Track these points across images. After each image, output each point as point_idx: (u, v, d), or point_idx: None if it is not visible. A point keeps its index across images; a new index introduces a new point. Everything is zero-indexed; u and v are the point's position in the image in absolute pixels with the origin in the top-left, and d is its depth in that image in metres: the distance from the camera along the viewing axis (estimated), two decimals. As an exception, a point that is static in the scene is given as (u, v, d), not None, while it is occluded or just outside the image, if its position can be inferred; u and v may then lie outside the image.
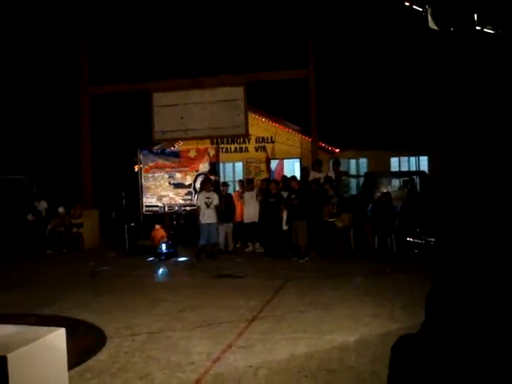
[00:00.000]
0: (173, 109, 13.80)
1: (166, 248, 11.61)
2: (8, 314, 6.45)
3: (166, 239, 11.99)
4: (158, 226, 12.63)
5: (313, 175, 12.31)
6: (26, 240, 14.04)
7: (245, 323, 6.13)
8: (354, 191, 17.28)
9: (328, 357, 4.90)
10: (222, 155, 15.87)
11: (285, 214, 11.32)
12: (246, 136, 15.62)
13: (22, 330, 3.46)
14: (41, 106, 21.47)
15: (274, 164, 17.75)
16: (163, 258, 11.45)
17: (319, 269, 9.70)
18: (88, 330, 6.10)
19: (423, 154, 18.75)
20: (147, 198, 13.71)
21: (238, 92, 13.52)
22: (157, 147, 15.28)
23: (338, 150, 17.43)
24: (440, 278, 1.81)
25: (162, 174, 13.67)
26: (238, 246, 12.54)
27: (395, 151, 18.35)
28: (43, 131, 21.38)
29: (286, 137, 17.84)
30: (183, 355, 5.07)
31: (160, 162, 13.73)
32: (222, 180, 15.14)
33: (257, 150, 17.96)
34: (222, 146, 16.96)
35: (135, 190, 13.93)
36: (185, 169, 13.56)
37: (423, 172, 16.63)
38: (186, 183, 13.52)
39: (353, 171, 18.57)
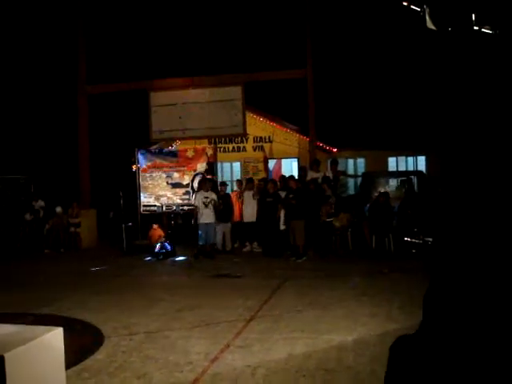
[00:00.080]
0: (171, 108, 13.79)
1: (164, 248, 11.62)
2: (5, 313, 6.43)
3: (163, 239, 11.99)
4: (155, 226, 12.62)
5: (311, 175, 12.33)
6: (24, 240, 14.01)
7: (243, 323, 6.13)
8: (351, 191, 17.28)
9: (326, 356, 4.90)
10: (219, 155, 15.87)
11: (282, 214, 11.33)
12: (243, 136, 15.64)
13: (19, 330, 3.45)
14: (38, 105, 21.44)
15: (271, 164, 17.73)
16: (161, 257, 11.46)
17: (317, 268, 9.71)
18: (85, 329, 6.09)
19: (421, 154, 18.77)
20: (145, 197, 13.71)
21: (236, 92, 13.52)
22: (154, 147, 15.25)
23: (335, 150, 17.42)
24: (438, 277, 1.81)
25: (160, 173, 13.64)
26: (235, 245, 12.55)
27: (393, 151, 18.36)
28: (41, 130, 21.35)
29: (284, 136, 17.82)
30: (181, 355, 5.07)
31: (158, 161, 13.70)
32: (219, 180, 15.15)
33: (255, 150, 17.94)
34: (219, 145, 16.96)
35: (133, 189, 13.90)
36: (183, 168, 13.52)
37: (421, 172, 16.63)
38: (184, 183, 13.49)
39: (350, 171, 18.56)
